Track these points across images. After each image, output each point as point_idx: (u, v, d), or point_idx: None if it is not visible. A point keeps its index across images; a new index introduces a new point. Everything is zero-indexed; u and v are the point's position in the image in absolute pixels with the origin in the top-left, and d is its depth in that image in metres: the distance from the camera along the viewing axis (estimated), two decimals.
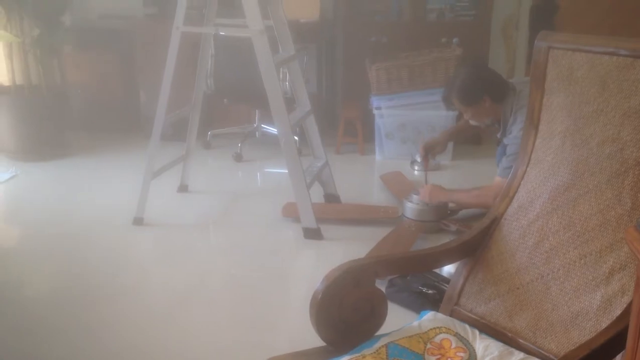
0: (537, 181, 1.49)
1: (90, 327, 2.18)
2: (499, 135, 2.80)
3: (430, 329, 1.41)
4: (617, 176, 1.34)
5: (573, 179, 1.41)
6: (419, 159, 3.58)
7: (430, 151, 3.12)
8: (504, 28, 4.27)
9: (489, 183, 2.83)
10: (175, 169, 3.32)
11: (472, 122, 2.88)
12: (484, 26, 4.03)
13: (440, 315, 1.48)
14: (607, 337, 1.11)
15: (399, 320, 1.57)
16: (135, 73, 4.35)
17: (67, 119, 4.22)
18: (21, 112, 3.99)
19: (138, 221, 3.01)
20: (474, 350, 1.37)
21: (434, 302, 2.10)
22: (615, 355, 1.15)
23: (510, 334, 1.41)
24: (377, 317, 1.43)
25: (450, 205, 2.98)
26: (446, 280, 2.22)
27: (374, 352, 1.31)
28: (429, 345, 1.36)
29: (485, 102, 2.67)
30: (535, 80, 1.52)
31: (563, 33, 1.49)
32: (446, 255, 1.55)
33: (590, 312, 1.30)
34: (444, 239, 2.77)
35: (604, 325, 1.26)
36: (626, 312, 1.14)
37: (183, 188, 3.47)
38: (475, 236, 1.54)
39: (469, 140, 4.01)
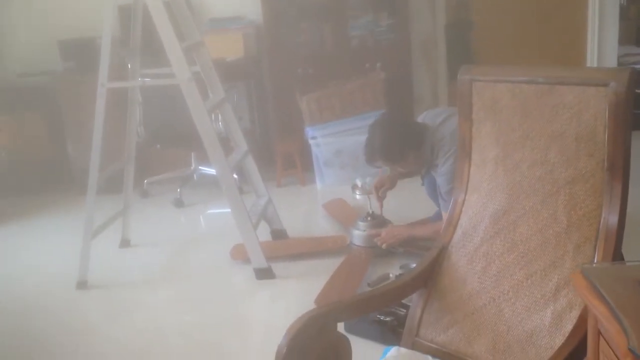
0: (477, 207, 1.55)
1: None
2: (422, 172, 2.85)
3: None
4: (550, 196, 1.42)
5: (510, 203, 1.49)
6: (359, 184, 3.65)
7: (381, 189, 3.13)
8: (424, 49, 4.44)
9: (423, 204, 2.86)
10: (114, 224, 3.22)
11: (401, 170, 2.89)
12: (404, 49, 4.17)
13: (403, 350, 1.51)
14: (562, 357, 1.17)
15: (361, 354, 1.59)
16: (61, 128, 4.22)
17: None
18: None
19: (82, 285, 2.90)
20: None
21: (393, 328, 2.13)
22: None
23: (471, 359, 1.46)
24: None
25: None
26: (402, 305, 2.25)
27: None
28: None
29: (410, 155, 2.65)
30: (462, 111, 1.59)
31: (483, 65, 1.58)
32: (401, 290, 1.59)
33: (543, 329, 1.37)
34: (394, 262, 2.83)
35: (557, 341, 1.32)
36: (576, 330, 1.21)
37: (125, 243, 3.37)
38: (426, 267, 1.59)
39: None
